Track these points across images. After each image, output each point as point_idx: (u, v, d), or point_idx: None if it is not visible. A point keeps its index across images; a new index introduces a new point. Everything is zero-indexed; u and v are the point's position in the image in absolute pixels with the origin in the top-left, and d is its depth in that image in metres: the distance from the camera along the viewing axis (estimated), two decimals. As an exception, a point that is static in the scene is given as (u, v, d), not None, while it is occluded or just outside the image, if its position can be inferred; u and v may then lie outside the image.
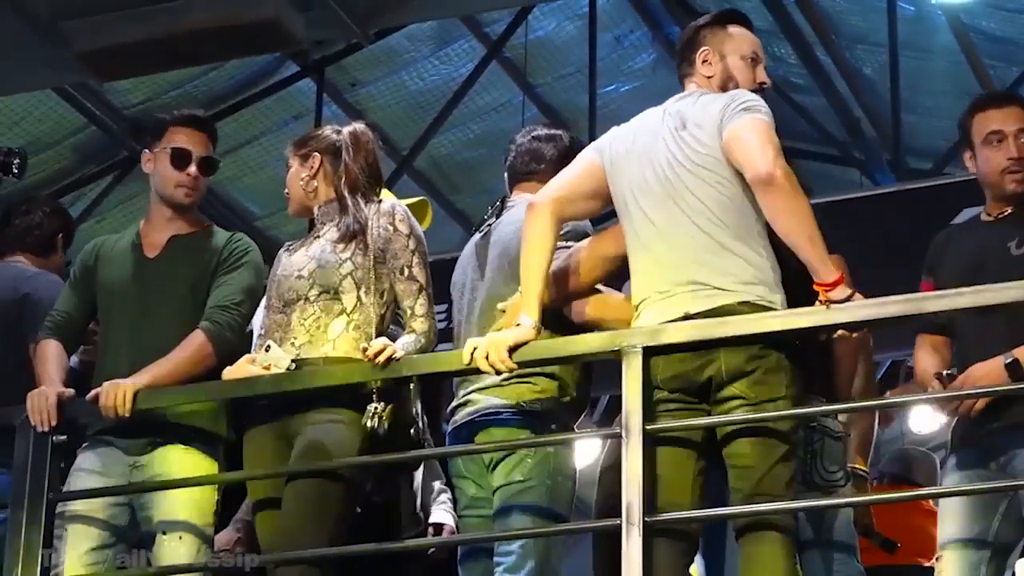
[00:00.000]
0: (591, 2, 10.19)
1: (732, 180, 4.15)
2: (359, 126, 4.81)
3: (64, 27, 8.03)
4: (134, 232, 4.92)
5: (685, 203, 4.16)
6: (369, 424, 4.31)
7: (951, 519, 4.48)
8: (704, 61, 4.37)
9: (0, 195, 5.32)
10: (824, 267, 4.00)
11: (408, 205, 4.90)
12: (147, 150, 4.91)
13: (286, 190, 4.77)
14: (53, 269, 5.49)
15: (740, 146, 4.12)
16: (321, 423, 4.41)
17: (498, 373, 4.24)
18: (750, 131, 4.12)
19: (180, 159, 4.82)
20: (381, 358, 4.31)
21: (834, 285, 3.99)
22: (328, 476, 4.35)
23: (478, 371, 4.26)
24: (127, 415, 4.51)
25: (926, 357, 4.60)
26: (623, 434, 4.03)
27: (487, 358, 4.18)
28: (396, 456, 4.43)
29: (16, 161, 5.03)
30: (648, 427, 4.03)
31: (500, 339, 4.19)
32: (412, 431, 4.39)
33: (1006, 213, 4.61)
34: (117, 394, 4.50)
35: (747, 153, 4.10)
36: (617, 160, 4.33)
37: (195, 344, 4.64)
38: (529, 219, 4.33)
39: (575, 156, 4.66)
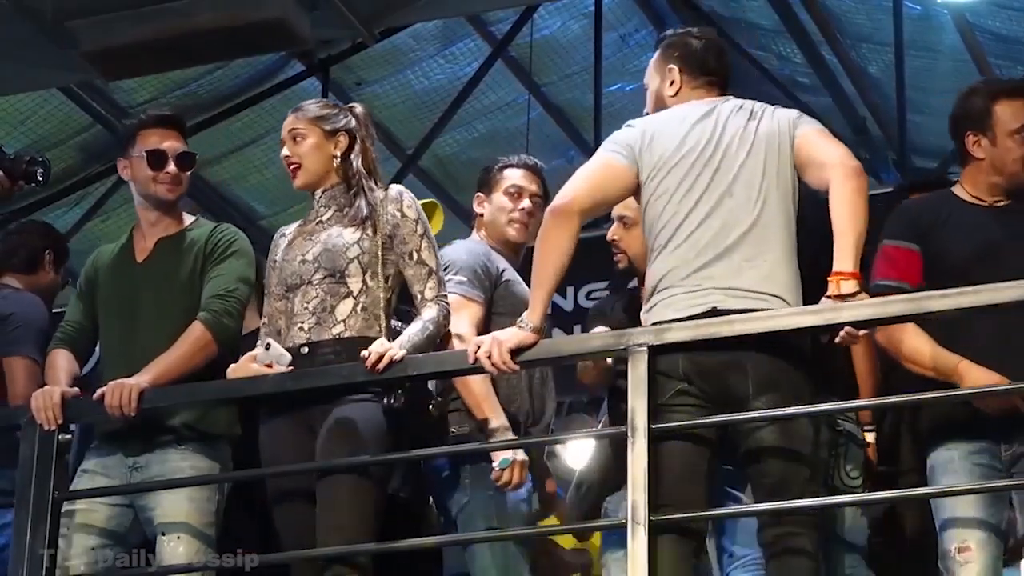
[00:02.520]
0: (596, 1, 10.19)
1: (783, 186, 4.19)
2: (363, 108, 4.80)
3: (69, 26, 8.04)
4: (126, 238, 4.94)
5: (746, 199, 4.17)
6: (385, 400, 4.31)
7: (967, 505, 4.33)
8: None
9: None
10: (852, 259, 3.99)
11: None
12: (121, 158, 4.91)
13: (294, 158, 4.66)
14: (43, 285, 5.62)
15: (826, 142, 4.23)
16: (347, 404, 4.38)
17: (500, 373, 4.22)
18: (832, 137, 4.27)
19: (157, 160, 4.81)
20: (381, 365, 4.27)
21: (850, 276, 3.97)
22: (360, 466, 4.32)
23: (482, 370, 4.24)
24: (133, 414, 4.51)
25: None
26: (628, 433, 4.01)
27: (489, 357, 4.16)
28: (400, 455, 4.43)
29: (40, 170, 5.09)
30: (654, 426, 4.01)
31: (503, 339, 4.16)
32: (432, 406, 4.39)
33: (1003, 202, 4.60)
34: (122, 393, 4.50)
35: (836, 148, 4.21)
36: (662, 155, 4.24)
37: (193, 336, 4.64)
38: (554, 224, 4.20)
39: (490, 179, 5.04)
